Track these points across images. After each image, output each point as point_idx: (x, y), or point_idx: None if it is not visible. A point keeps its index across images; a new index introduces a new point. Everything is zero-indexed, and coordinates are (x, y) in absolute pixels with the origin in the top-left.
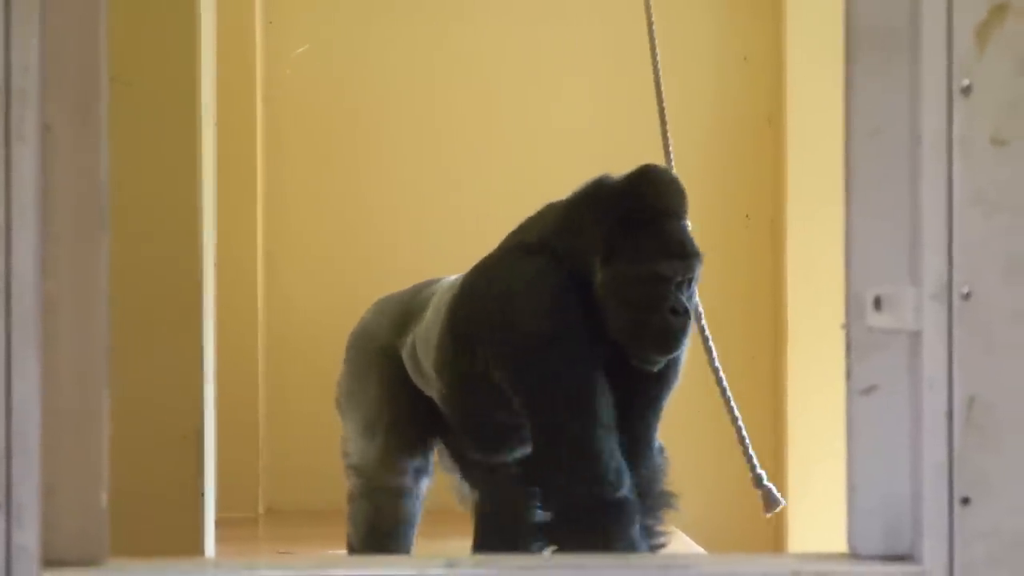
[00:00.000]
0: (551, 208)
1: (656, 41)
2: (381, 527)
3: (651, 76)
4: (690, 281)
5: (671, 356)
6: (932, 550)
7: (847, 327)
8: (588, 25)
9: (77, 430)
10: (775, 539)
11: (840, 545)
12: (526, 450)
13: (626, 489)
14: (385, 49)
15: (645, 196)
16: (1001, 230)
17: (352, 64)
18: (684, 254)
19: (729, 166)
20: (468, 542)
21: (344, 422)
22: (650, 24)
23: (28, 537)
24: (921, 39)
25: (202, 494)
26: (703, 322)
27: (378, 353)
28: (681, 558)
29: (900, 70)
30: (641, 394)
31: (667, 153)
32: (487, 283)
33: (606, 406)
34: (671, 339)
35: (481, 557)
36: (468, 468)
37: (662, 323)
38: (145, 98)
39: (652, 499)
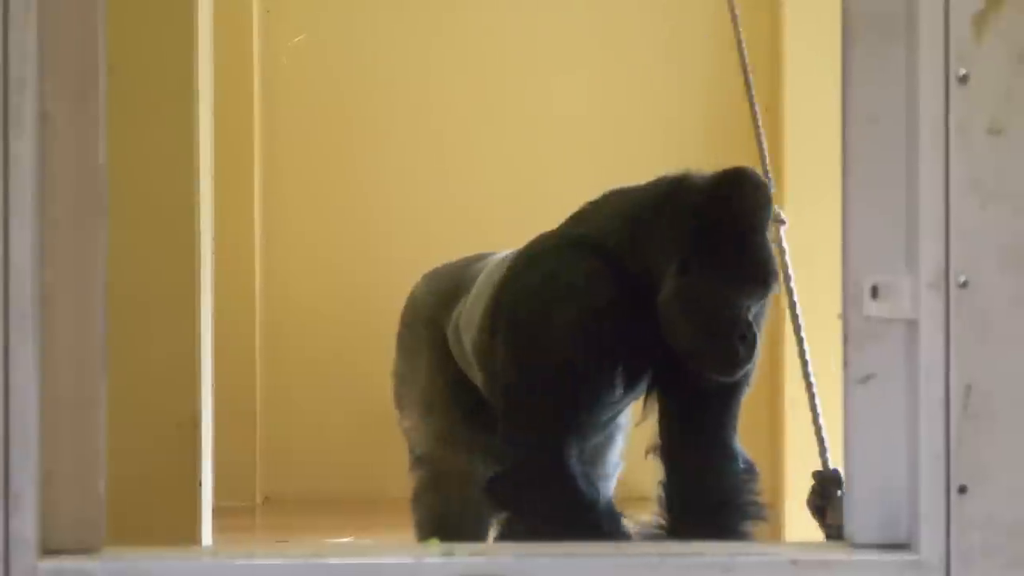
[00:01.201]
0: (618, 197)
1: (742, 39)
2: (450, 519)
3: (646, 66)
4: (765, 306)
5: (733, 379)
6: (929, 538)
7: (844, 316)
8: (584, 14)
9: (74, 418)
10: (772, 530)
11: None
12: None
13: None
14: (382, 38)
15: (730, 206)
16: (998, 219)
17: (349, 53)
18: (764, 279)
19: (726, 155)
20: None
21: (404, 413)
22: (735, 18)
23: (26, 525)
24: (918, 28)
25: (199, 483)
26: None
27: (426, 326)
28: (678, 546)
29: (897, 59)
30: (713, 400)
31: (761, 154)
32: (529, 274)
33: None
34: (734, 366)
35: (478, 546)
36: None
37: (728, 349)
38: (143, 87)
39: (734, 510)
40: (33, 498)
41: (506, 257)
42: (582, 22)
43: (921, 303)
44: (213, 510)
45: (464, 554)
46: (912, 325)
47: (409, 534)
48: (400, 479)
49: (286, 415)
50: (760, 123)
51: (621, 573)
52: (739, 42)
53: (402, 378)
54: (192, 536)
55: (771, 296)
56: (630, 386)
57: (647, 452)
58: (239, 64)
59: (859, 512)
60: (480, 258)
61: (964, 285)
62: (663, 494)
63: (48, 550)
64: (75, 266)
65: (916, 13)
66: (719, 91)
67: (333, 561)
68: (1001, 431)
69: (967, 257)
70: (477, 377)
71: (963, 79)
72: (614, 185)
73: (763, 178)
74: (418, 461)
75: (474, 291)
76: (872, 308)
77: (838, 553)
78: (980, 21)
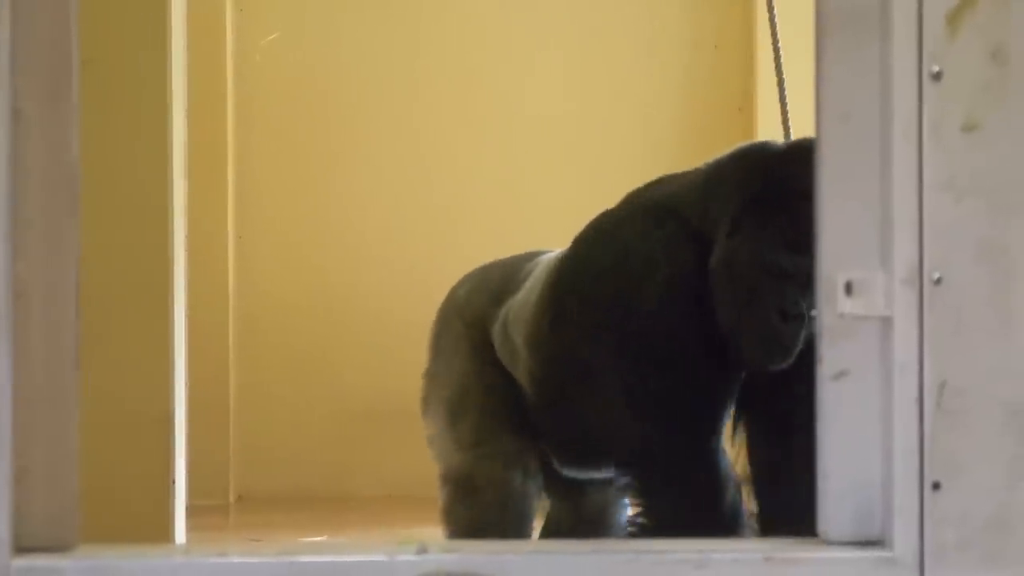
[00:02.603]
0: (693, 170)
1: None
2: (488, 532)
3: (624, 63)
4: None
5: (777, 367)
6: (902, 535)
7: (818, 313)
8: (563, 11)
9: (48, 415)
10: None
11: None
12: (616, 461)
13: (734, 504)
14: (355, 36)
15: (788, 172)
16: (972, 215)
17: (322, 51)
18: (802, 245)
19: (700, 154)
20: None
21: (428, 419)
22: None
23: None
24: (892, 25)
25: (173, 481)
26: None
27: (468, 325)
28: (655, 543)
29: (871, 56)
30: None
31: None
32: (602, 246)
33: (719, 416)
34: (774, 347)
35: (452, 542)
36: (549, 476)
37: (766, 325)
38: (116, 84)
39: None
40: (5, 496)
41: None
42: (560, 19)
43: (895, 299)
44: (186, 509)
45: (437, 551)
46: (886, 322)
47: (383, 532)
48: (374, 477)
49: (260, 413)
50: (787, 112)
51: (596, 570)
52: (774, 36)
53: (432, 378)
54: (165, 534)
55: None
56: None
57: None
58: (213, 62)
59: (832, 509)
60: (532, 256)
61: (938, 282)
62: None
63: (21, 548)
64: (48, 263)
65: (890, 9)
66: (696, 88)
67: (306, 559)
68: (975, 427)
69: (941, 253)
70: (523, 374)
71: (936, 76)
72: (591, 182)
73: None
74: (442, 474)
75: (527, 286)
76: (846, 305)
77: (811, 550)
78: (954, 18)
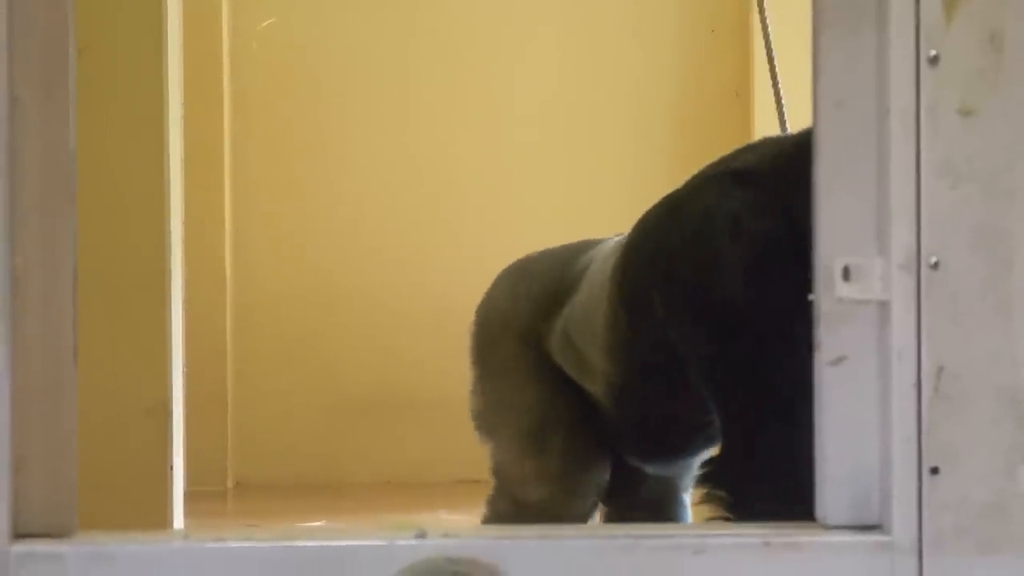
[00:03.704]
0: (772, 140)
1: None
2: None
3: (616, 52)
4: None
5: None
6: (901, 520)
7: (816, 298)
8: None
9: (46, 403)
10: None
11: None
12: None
13: None
14: (351, 23)
15: None
16: (969, 200)
17: (318, 38)
18: None
19: (697, 139)
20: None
21: (497, 443)
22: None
23: None
24: (889, 9)
25: (171, 468)
26: None
27: (521, 342)
28: (653, 527)
29: (868, 41)
30: None
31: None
32: (677, 220)
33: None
34: None
35: (450, 527)
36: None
37: None
38: (111, 72)
39: None
40: (5, 483)
41: (621, 241)
42: (555, 5)
43: (893, 284)
44: (184, 495)
45: (437, 536)
46: (884, 307)
47: (380, 518)
48: (370, 464)
49: (257, 401)
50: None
51: (594, 555)
52: (764, 26)
53: (492, 402)
54: (163, 521)
55: None
56: None
57: None
58: (209, 49)
59: (831, 493)
60: (584, 248)
61: (935, 266)
62: None
63: (20, 534)
64: (45, 252)
65: None
66: (692, 74)
67: (305, 544)
68: (973, 413)
69: (938, 238)
70: (600, 385)
71: (933, 60)
72: (586, 169)
73: None
74: (525, 506)
75: (584, 287)
76: (844, 290)
77: (809, 534)
78: (950, 2)
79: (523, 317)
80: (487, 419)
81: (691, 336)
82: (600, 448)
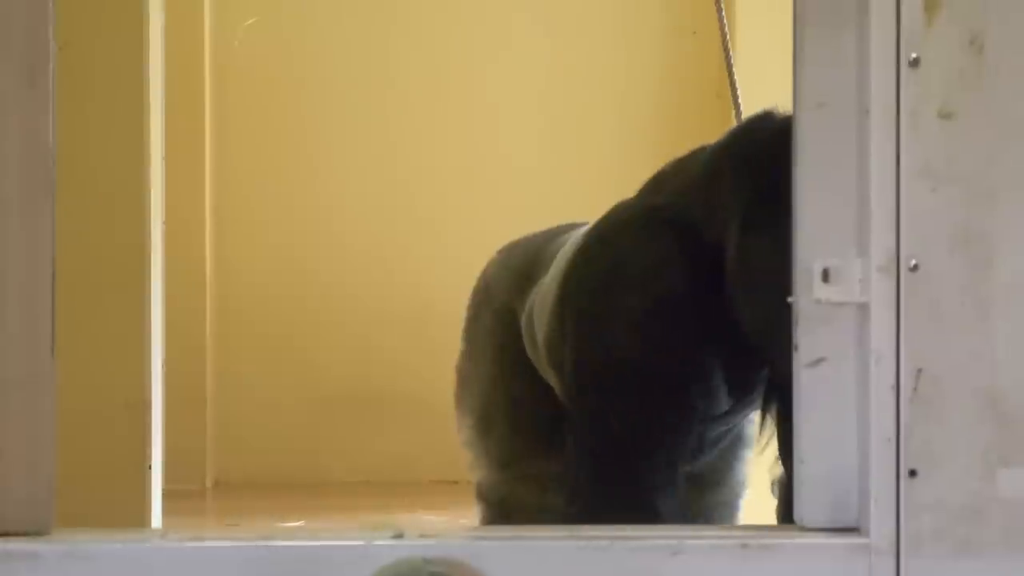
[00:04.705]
0: (699, 152)
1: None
2: None
3: (604, 46)
4: None
5: None
6: (878, 522)
7: (795, 300)
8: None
9: (23, 400)
10: None
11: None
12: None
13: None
14: (334, 22)
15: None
16: (948, 203)
17: (300, 37)
18: None
19: (677, 141)
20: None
21: (461, 421)
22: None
23: None
24: (870, 11)
25: (149, 466)
26: None
27: (496, 313)
28: (631, 530)
29: (848, 43)
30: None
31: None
32: (599, 257)
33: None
34: None
35: (427, 527)
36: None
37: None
38: (92, 68)
39: None
40: None
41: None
42: (537, 6)
43: (872, 287)
44: (163, 493)
45: (414, 536)
46: (863, 309)
47: (359, 517)
48: (350, 463)
49: (236, 399)
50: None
51: (572, 555)
52: (722, 27)
53: (464, 377)
54: (142, 519)
55: None
56: (738, 390)
57: (772, 485)
58: (191, 47)
59: (809, 495)
60: (564, 230)
61: (915, 269)
62: None
63: None
64: (23, 247)
65: None
66: (674, 75)
67: (283, 544)
68: (951, 415)
69: (918, 241)
70: (552, 378)
71: (914, 63)
72: (569, 170)
73: None
74: (479, 493)
75: (551, 271)
76: (823, 291)
77: (787, 536)
78: (931, 5)
79: (500, 293)
80: (459, 394)
81: (570, 362)
82: (550, 434)
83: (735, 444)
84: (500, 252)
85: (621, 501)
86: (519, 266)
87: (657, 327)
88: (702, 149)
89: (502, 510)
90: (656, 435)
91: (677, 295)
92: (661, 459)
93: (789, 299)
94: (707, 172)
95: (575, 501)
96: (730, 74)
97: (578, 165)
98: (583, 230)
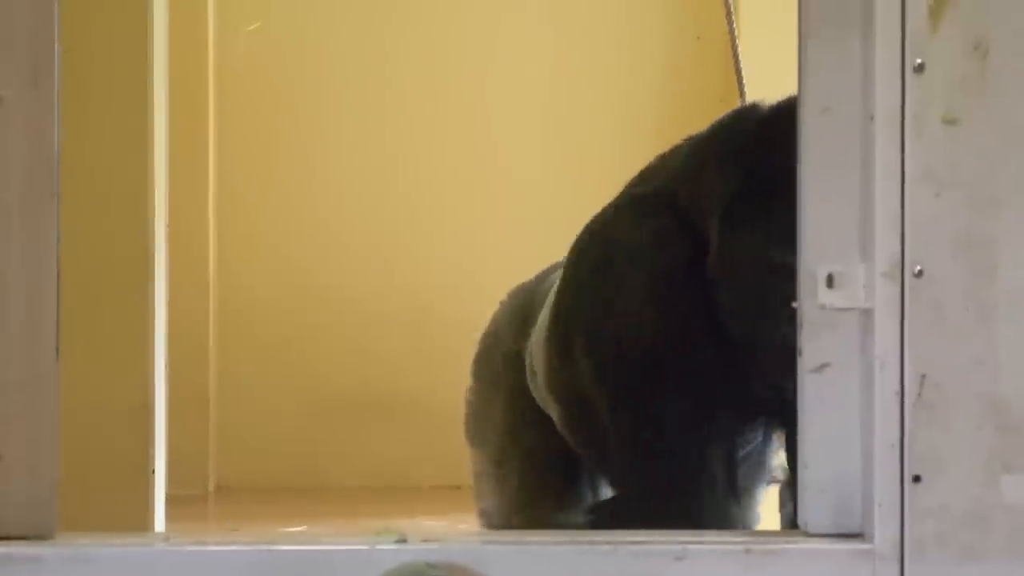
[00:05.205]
0: (688, 142)
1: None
2: None
3: (607, 51)
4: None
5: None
6: (882, 527)
7: (799, 305)
8: (540, 3)
9: (27, 403)
10: None
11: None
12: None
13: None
14: (336, 27)
15: (778, 144)
16: (952, 208)
17: (304, 41)
18: None
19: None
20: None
21: (475, 452)
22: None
23: None
24: (875, 17)
25: (152, 471)
26: None
27: (504, 362)
28: (633, 535)
29: (853, 48)
30: None
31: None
32: (589, 251)
33: (720, 456)
34: (791, 360)
35: (430, 532)
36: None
37: (779, 335)
38: (97, 73)
39: None
40: None
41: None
42: (540, 11)
43: (876, 292)
44: (165, 498)
45: (417, 541)
46: (867, 314)
47: (361, 522)
48: (351, 468)
49: (239, 404)
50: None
51: (575, 560)
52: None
53: (476, 412)
54: (144, 524)
55: None
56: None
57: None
58: (194, 52)
59: (813, 501)
60: (555, 268)
61: (919, 274)
62: None
63: (0, 537)
64: (28, 251)
65: (872, 3)
66: (678, 80)
67: (285, 548)
68: (954, 421)
69: (922, 246)
70: (552, 408)
71: (919, 68)
72: (572, 176)
73: None
74: (486, 521)
75: (546, 303)
76: (827, 297)
77: (791, 542)
78: (936, 11)
79: (507, 336)
80: (471, 427)
81: (593, 376)
82: (564, 483)
83: (755, 476)
84: (508, 295)
85: (667, 475)
86: (519, 308)
87: (665, 299)
88: (688, 140)
89: None
90: (682, 407)
91: (679, 267)
92: (697, 434)
93: (793, 304)
94: (692, 162)
95: (623, 481)
96: (739, 79)
97: (580, 170)
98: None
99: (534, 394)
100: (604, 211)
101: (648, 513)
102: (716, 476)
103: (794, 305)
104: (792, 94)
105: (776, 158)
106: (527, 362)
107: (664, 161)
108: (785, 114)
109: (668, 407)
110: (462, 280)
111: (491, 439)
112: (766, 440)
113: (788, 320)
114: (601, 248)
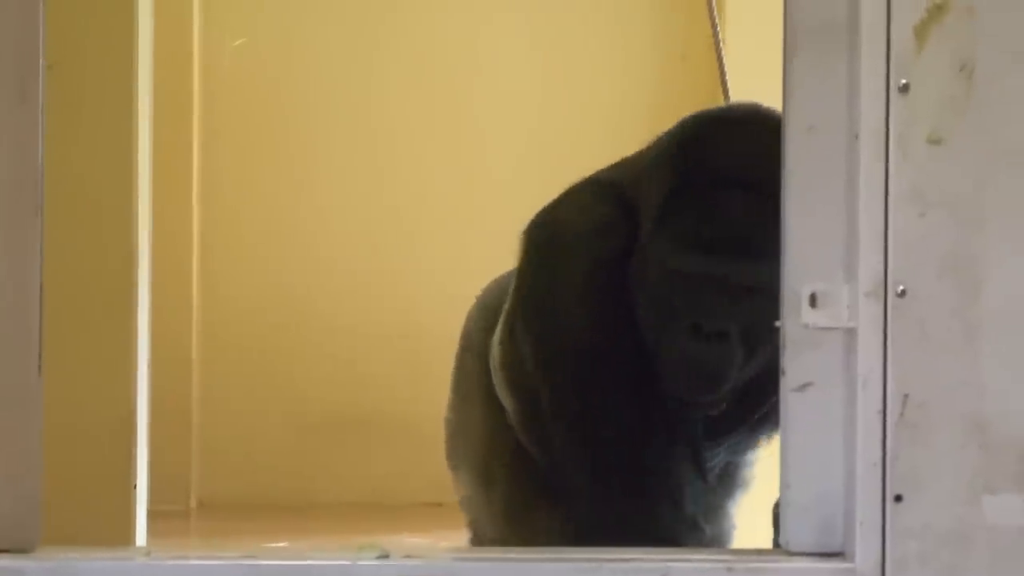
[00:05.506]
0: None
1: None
2: None
3: (593, 70)
4: (746, 292)
5: (701, 401)
6: (864, 547)
7: (782, 324)
8: (530, 17)
9: (9, 417)
10: None
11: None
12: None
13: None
14: (323, 42)
15: (709, 149)
16: (937, 228)
17: (289, 57)
18: (722, 246)
19: None
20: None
21: (458, 476)
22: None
23: None
24: (860, 36)
25: (135, 486)
26: None
27: (477, 360)
28: (616, 552)
29: (838, 67)
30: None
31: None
32: (532, 237)
33: (676, 457)
34: (690, 374)
35: (413, 548)
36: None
37: (677, 347)
38: (81, 87)
39: None
40: None
41: None
42: (527, 29)
43: (859, 312)
44: (147, 514)
45: (399, 557)
46: (850, 333)
47: (344, 538)
48: (334, 484)
49: (221, 419)
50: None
51: None
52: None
53: (453, 428)
54: (126, 539)
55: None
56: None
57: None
58: (179, 67)
59: (795, 520)
60: None
61: (902, 294)
62: None
63: None
64: (11, 264)
65: (858, 21)
66: (664, 99)
67: (267, 562)
68: (937, 441)
69: (906, 266)
70: (508, 400)
71: (904, 88)
72: (557, 193)
73: (769, 125)
74: (480, 540)
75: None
76: (810, 316)
77: (773, 560)
78: (921, 30)
79: (477, 333)
80: (450, 449)
81: (530, 363)
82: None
83: (729, 482)
84: (482, 290)
85: (619, 484)
86: (490, 302)
87: (604, 288)
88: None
89: None
90: (621, 401)
91: (621, 258)
92: (641, 431)
93: (776, 323)
94: (646, 155)
95: (575, 499)
96: (726, 98)
97: (570, 180)
98: None
99: (497, 391)
100: (553, 200)
101: (605, 532)
102: (672, 483)
103: (777, 324)
104: (743, 102)
105: (704, 164)
106: (490, 355)
107: (624, 160)
108: (734, 119)
109: (609, 401)
110: (448, 295)
111: (471, 456)
112: (740, 447)
113: (687, 332)
114: (549, 230)
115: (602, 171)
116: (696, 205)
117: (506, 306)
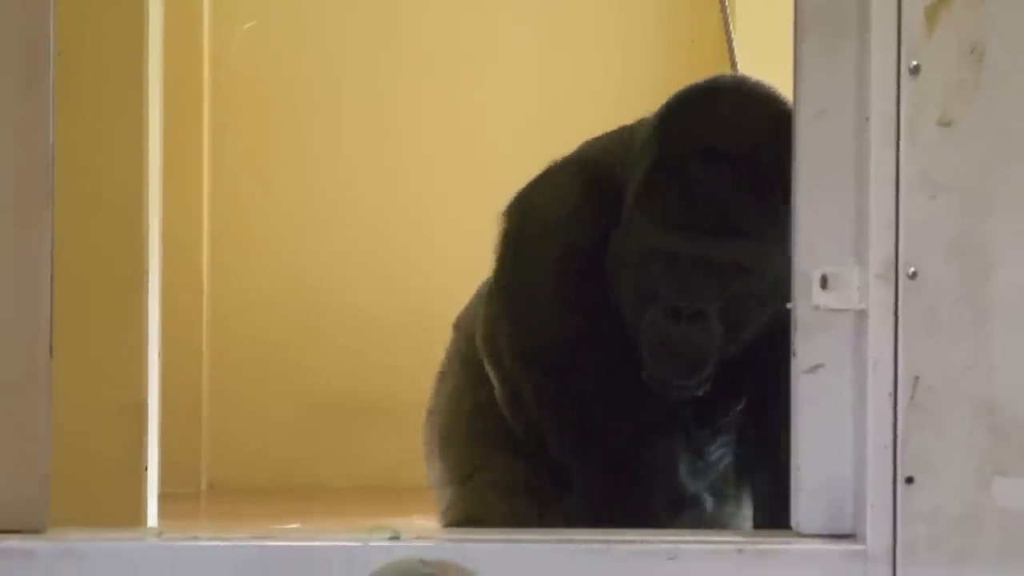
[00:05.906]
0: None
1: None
2: None
3: (601, 55)
4: (727, 270)
5: (683, 384)
6: (875, 529)
7: (793, 306)
8: (534, 4)
9: (20, 400)
10: None
11: None
12: None
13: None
14: (333, 26)
15: (684, 121)
16: (947, 210)
17: (300, 41)
18: (700, 224)
19: None
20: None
21: (430, 467)
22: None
23: None
24: (870, 19)
25: (145, 468)
26: None
27: (461, 336)
28: (625, 534)
29: (849, 51)
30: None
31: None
32: (510, 217)
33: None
34: (666, 357)
35: (424, 530)
36: None
37: (655, 329)
38: (91, 74)
39: None
40: None
41: None
42: (534, 14)
43: (870, 294)
44: (158, 496)
45: (410, 538)
46: (861, 316)
47: (354, 521)
48: (344, 468)
49: (232, 403)
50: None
51: (567, 559)
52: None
53: (429, 413)
54: (137, 521)
55: (752, 263)
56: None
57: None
58: (189, 51)
59: (805, 502)
60: None
61: (913, 276)
62: None
63: None
64: (22, 251)
65: (868, 5)
66: (672, 84)
67: (278, 544)
68: (947, 423)
69: (916, 248)
70: (492, 375)
71: (914, 71)
72: None
73: (754, 97)
74: (445, 518)
75: None
76: (821, 298)
77: (784, 542)
78: (932, 12)
79: (464, 318)
80: (426, 437)
81: (505, 353)
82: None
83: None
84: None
85: (604, 473)
86: (481, 289)
87: (577, 274)
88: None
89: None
90: (602, 387)
91: (591, 243)
92: (626, 418)
93: (788, 305)
94: (636, 131)
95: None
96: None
97: None
98: None
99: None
100: (529, 184)
101: (594, 511)
102: (660, 462)
103: (788, 306)
104: (735, 73)
105: (683, 141)
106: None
107: (602, 136)
108: (718, 90)
109: (587, 386)
110: (456, 282)
111: (439, 420)
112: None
113: (665, 312)
114: (522, 219)
115: (588, 147)
116: (676, 181)
117: (484, 292)
